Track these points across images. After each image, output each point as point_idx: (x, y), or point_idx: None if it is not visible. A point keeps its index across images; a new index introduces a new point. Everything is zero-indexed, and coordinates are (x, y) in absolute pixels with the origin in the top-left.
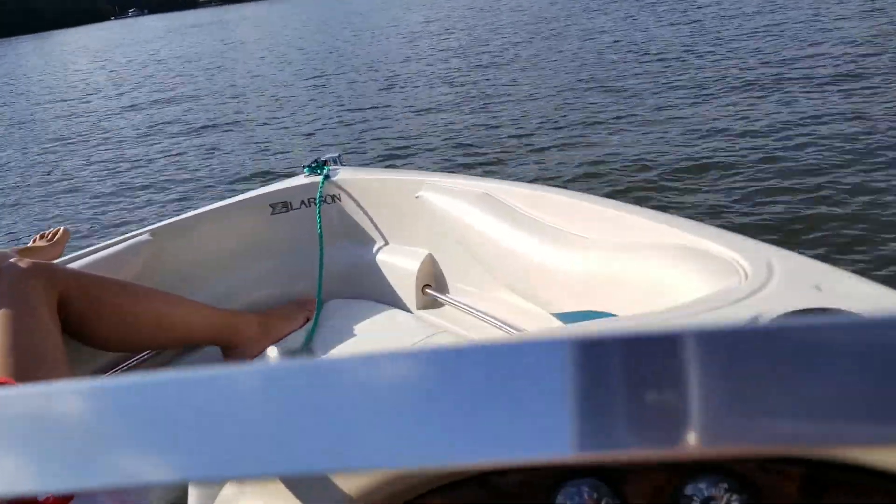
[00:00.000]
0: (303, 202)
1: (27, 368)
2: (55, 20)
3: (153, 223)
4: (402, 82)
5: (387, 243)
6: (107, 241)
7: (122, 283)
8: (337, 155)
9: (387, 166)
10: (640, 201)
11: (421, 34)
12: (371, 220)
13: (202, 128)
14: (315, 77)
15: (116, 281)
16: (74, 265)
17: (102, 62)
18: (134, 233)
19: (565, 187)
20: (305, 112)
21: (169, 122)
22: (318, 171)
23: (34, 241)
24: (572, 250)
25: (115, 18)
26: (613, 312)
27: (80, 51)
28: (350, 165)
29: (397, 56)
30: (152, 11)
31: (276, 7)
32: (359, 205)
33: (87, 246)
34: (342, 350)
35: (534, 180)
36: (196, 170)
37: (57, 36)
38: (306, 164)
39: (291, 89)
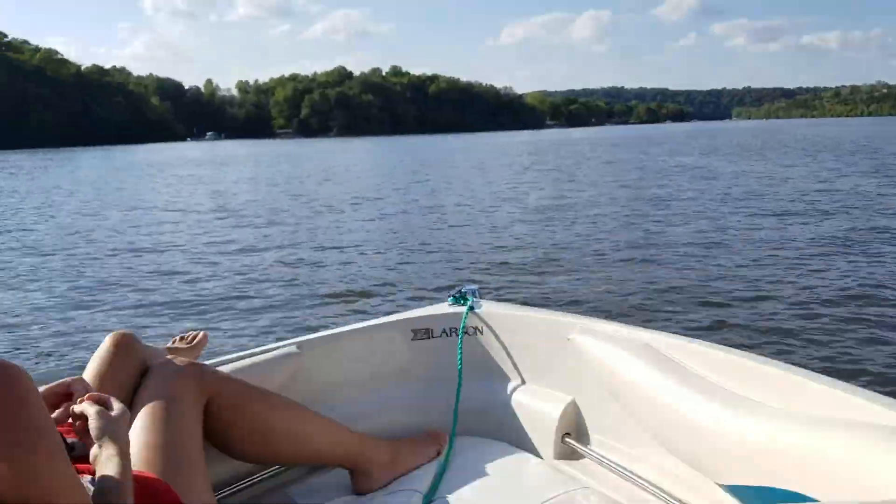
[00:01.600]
0: (444, 331)
1: (171, 469)
2: (122, 135)
3: (299, 335)
4: (541, 221)
5: (528, 383)
6: (253, 349)
7: (264, 393)
8: (476, 287)
9: (524, 302)
10: None
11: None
12: (512, 357)
13: (334, 248)
14: (434, 210)
15: (260, 390)
16: (222, 370)
17: (197, 178)
18: (281, 343)
19: (737, 347)
20: (440, 242)
21: (294, 241)
22: (462, 302)
23: (174, 342)
24: (750, 417)
25: (191, 140)
26: (808, 494)
27: (163, 165)
28: (490, 299)
29: (509, 196)
30: (229, 137)
31: (349, 144)
32: (501, 340)
33: (232, 352)
34: (472, 495)
35: (700, 335)
36: (337, 285)
37: (127, 150)
38: (452, 293)
39: (421, 217)
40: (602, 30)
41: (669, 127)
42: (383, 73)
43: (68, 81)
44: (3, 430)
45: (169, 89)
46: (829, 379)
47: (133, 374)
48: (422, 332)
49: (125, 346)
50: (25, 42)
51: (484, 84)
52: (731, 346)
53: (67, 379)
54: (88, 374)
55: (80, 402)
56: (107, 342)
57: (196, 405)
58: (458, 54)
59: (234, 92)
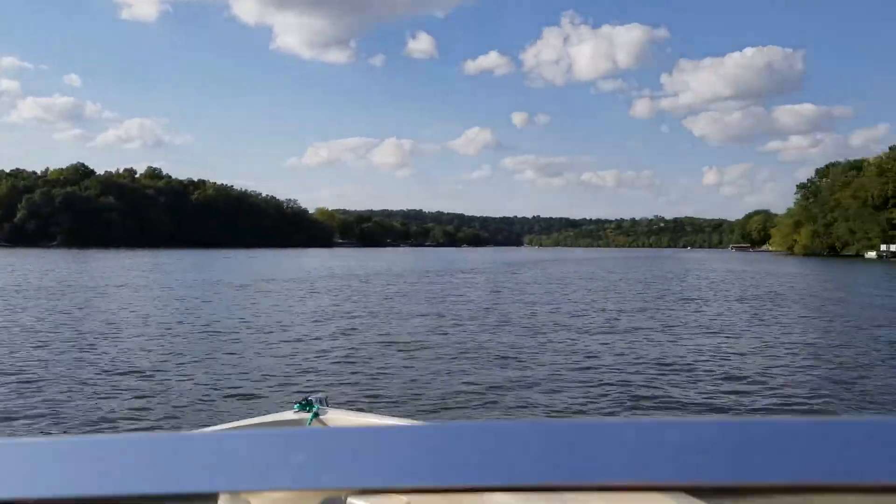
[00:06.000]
0: None
1: None
2: None
3: None
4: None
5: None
6: None
7: None
8: (324, 395)
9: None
10: None
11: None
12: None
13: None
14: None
15: None
16: None
17: None
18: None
19: None
20: (305, 351)
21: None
22: (307, 409)
23: None
24: None
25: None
26: None
27: None
28: (339, 407)
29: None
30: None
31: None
32: None
33: None
34: None
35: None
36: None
37: None
38: (299, 401)
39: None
40: (404, 156)
41: (468, 251)
42: (136, 175)
43: None
44: None
45: None
46: None
47: None
48: None
49: None
50: None
51: (263, 195)
52: None
53: None
54: None
55: None
56: None
57: None
58: (259, 172)
59: None
